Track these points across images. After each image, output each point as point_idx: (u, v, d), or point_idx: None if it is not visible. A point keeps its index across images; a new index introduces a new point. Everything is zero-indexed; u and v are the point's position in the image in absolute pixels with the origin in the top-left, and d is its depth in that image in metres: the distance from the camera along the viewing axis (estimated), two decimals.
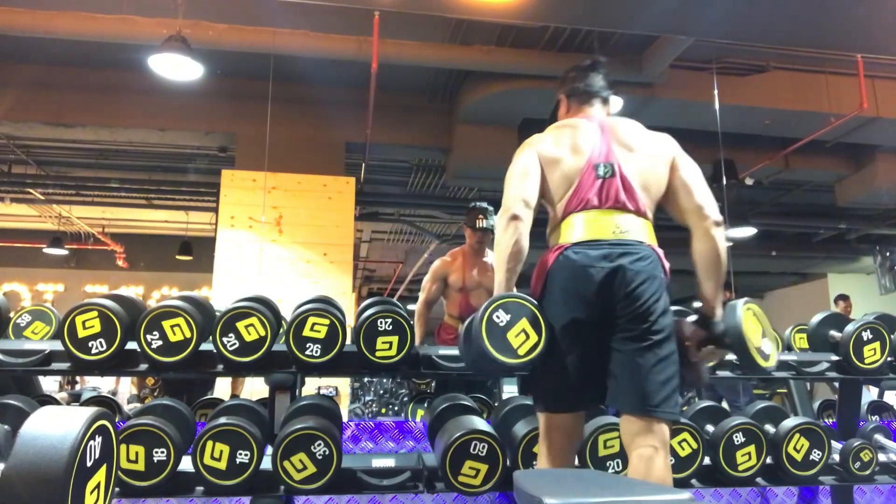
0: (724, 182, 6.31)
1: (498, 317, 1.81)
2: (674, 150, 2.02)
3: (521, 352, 1.80)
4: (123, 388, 6.67)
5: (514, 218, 1.86)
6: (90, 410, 1.20)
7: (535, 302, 1.88)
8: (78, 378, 6.72)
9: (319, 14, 4.87)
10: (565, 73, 2.22)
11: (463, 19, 5.07)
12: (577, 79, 2.15)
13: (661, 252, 1.91)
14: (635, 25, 4.47)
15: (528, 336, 1.81)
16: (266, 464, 2.04)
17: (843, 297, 7.45)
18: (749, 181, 7.40)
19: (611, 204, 1.88)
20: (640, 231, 1.88)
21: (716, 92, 5.34)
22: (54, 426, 1.14)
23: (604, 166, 1.90)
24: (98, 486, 1.22)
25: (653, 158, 1.97)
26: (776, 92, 5.99)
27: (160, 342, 2.12)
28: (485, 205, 3.73)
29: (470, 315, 2.04)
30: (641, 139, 2.00)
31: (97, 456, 1.20)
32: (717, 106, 5.34)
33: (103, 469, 1.23)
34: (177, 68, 4.63)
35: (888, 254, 9.90)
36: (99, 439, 1.21)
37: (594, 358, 1.83)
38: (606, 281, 1.78)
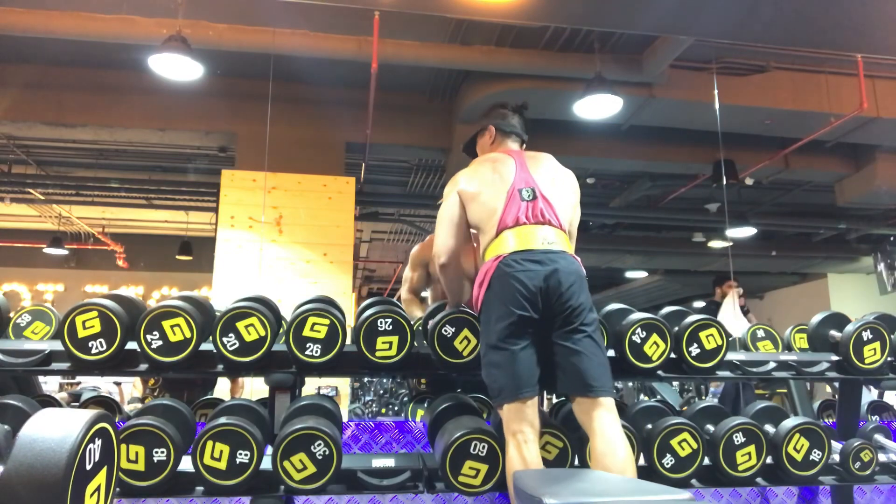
0: (725, 182, 6.31)
1: (446, 331, 2.28)
2: (577, 190, 2.39)
3: (465, 353, 2.28)
4: (124, 390, 6.66)
5: (445, 266, 2.25)
6: (90, 413, 1.20)
7: (473, 314, 2.28)
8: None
9: (319, 14, 4.87)
10: (495, 106, 2.58)
11: (463, 19, 5.07)
12: (507, 116, 2.53)
13: (579, 259, 2.22)
14: (635, 25, 4.47)
15: (469, 341, 2.29)
16: (266, 464, 2.04)
17: None
18: (749, 181, 7.40)
19: (537, 220, 2.18)
20: (563, 243, 2.19)
21: (716, 92, 5.34)
22: (53, 429, 1.13)
23: (526, 190, 2.23)
24: (98, 488, 1.21)
25: (567, 188, 2.35)
26: (776, 92, 5.99)
27: (160, 342, 2.11)
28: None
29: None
30: (556, 170, 2.37)
31: (97, 459, 1.20)
32: (717, 106, 5.34)
33: (103, 472, 1.23)
34: (177, 68, 4.63)
35: (888, 254, 9.90)
36: (98, 442, 1.20)
37: (537, 350, 2.09)
38: (545, 282, 2.06)
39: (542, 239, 2.14)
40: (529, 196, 2.22)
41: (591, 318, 2.12)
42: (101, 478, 1.22)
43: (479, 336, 2.19)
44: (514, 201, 2.21)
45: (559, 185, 2.33)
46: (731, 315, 5.11)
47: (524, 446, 1.98)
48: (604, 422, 2.00)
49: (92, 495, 1.19)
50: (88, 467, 1.17)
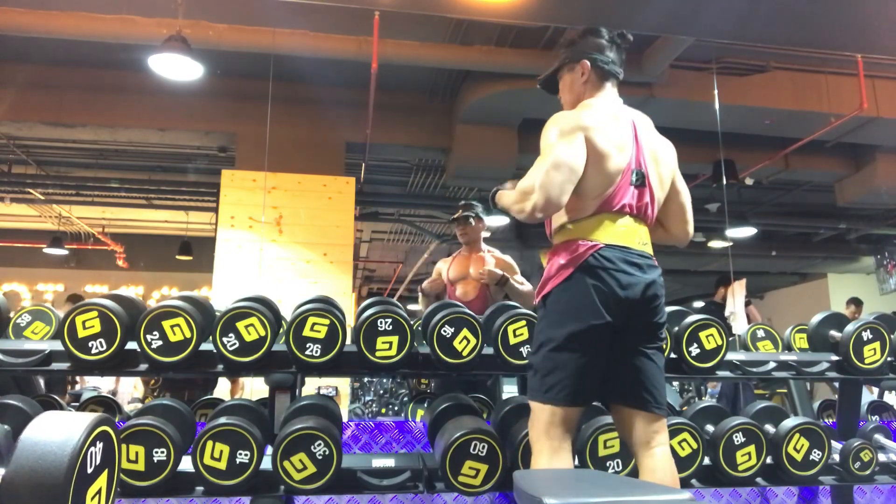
0: (725, 182, 6.31)
1: (445, 331, 2.28)
2: (675, 163, 2.06)
3: (464, 353, 2.29)
4: (124, 389, 6.67)
5: (535, 218, 1.83)
6: (91, 416, 1.20)
7: (473, 314, 2.30)
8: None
9: (319, 14, 4.87)
10: (588, 33, 2.05)
11: (463, 19, 5.07)
12: (604, 48, 2.02)
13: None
14: (635, 25, 4.46)
15: (469, 341, 2.29)
16: (266, 464, 2.04)
17: (856, 302, 7.25)
18: (749, 181, 7.40)
19: (640, 214, 1.91)
20: (651, 244, 1.96)
21: (716, 92, 5.34)
22: (55, 432, 1.13)
23: (637, 174, 1.90)
24: (99, 491, 1.22)
25: (666, 171, 1.99)
26: (776, 92, 5.99)
27: (160, 342, 2.12)
28: (463, 202, 3.82)
29: None
30: (659, 146, 2.00)
31: (98, 462, 1.20)
32: (717, 106, 5.34)
33: (104, 475, 1.23)
34: (177, 68, 4.63)
35: (888, 254, 9.90)
36: (100, 445, 1.20)
37: (607, 357, 1.87)
38: (642, 293, 1.85)
39: (638, 237, 1.89)
40: (638, 181, 1.89)
41: (665, 335, 1.98)
42: (102, 481, 1.22)
43: (540, 318, 1.93)
44: (626, 182, 1.87)
45: (661, 164, 1.97)
46: (741, 311, 5.12)
47: (557, 455, 1.82)
48: (665, 445, 1.88)
49: (93, 498, 1.19)
50: (90, 471, 1.17)
